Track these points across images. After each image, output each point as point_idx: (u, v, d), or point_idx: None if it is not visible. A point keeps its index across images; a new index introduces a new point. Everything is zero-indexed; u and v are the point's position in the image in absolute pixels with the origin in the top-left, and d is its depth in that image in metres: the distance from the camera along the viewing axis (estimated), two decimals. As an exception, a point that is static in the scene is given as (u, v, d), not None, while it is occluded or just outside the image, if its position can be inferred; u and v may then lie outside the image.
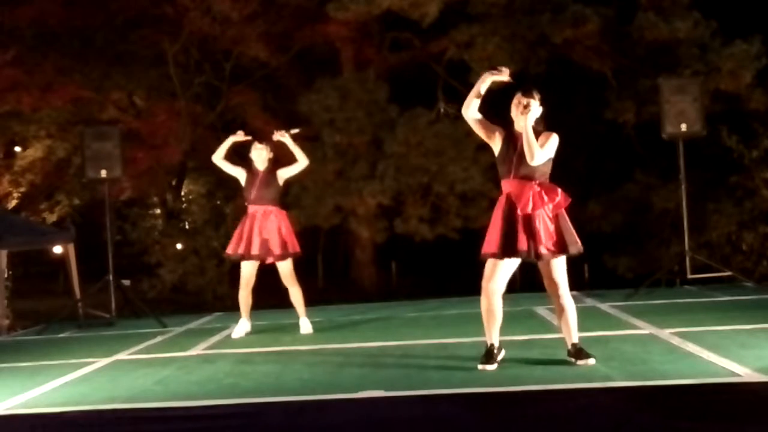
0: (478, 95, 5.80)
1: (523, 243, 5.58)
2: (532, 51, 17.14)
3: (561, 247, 5.64)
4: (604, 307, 8.76)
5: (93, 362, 6.98)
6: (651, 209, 16.57)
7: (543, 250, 5.59)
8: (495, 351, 5.82)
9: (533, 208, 5.62)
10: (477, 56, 17.31)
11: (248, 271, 8.07)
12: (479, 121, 5.85)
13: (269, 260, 8.01)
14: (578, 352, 5.71)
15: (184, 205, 24.70)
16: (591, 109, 18.11)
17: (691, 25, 15.79)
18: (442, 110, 18.73)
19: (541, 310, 8.57)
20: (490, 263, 5.71)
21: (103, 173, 10.17)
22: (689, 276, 10.17)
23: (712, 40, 15.84)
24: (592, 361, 5.64)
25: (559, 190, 5.73)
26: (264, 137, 8.55)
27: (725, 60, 15.40)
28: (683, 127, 9.98)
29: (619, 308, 8.55)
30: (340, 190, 17.15)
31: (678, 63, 15.50)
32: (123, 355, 7.36)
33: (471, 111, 5.84)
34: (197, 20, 17.93)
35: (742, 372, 5.13)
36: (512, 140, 5.76)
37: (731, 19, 15.96)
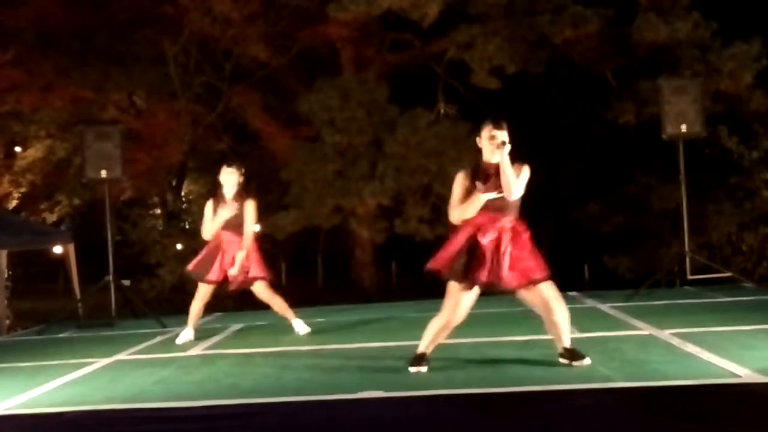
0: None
1: (484, 275, 5.54)
2: (533, 52, 17.15)
3: (527, 278, 5.60)
4: (604, 307, 8.76)
5: (93, 362, 6.98)
6: (651, 210, 16.59)
7: (503, 283, 5.56)
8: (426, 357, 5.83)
9: (496, 244, 5.56)
10: (477, 57, 17.33)
11: (206, 289, 7.92)
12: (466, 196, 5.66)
13: (232, 287, 7.87)
14: (572, 353, 5.70)
15: (185, 206, 24.73)
16: (591, 110, 18.12)
17: (692, 26, 15.80)
18: (442, 111, 18.75)
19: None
20: (453, 293, 5.67)
21: (104, 173, 10.16)
22: (689, 277, 10.17)
23: (713, 41, 15.85)
24: (587, 361, 5.63)
25: (525, 233, 5.65)
26: (234, 161, 8.26)
27: (725, 61, 15.41)
28: (683, 127, 9.98)
29: (619, 309, 8.55)
30: (340, 190, 17.15)
31: (678, 64, 15.51)
32: (123, 356, 7.36)
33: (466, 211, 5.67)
34: (197, 20, 17.94)
35: (742, 373, 5.13)
36: (482, 174, 5.63)
37: (731, 20, 15.97)
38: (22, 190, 23.55)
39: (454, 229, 5.77)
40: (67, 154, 22.53)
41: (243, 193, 7.86)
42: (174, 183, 25.10)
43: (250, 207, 7.79)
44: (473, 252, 5.59)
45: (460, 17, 17.51)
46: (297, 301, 8.23)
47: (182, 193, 26.37)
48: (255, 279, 7.85)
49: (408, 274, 21.71)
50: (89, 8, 18.09)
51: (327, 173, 17.24)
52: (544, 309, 5.70)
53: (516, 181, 5.55)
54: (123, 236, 18.99)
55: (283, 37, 18.72)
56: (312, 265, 23.14)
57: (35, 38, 18.13)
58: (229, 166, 7.92)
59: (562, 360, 5.73)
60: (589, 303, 9.22)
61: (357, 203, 17.48)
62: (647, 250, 16.40)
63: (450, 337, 7.12)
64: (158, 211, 24.76)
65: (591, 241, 18.14)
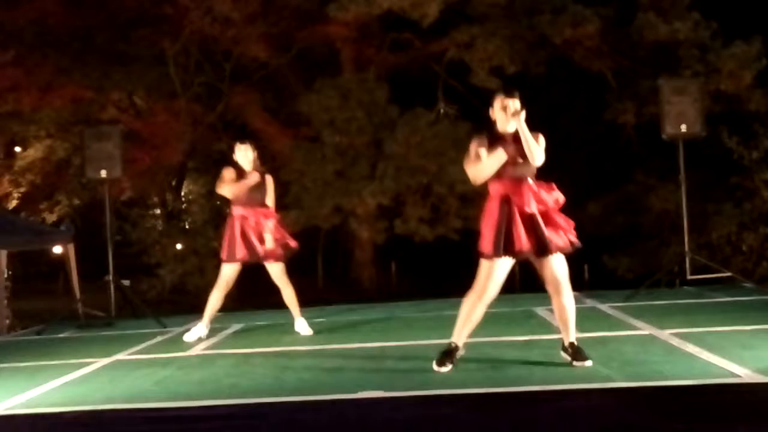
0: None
1: (523, 243, 5.52)
2: (532, 52, 17.16)
3: (567, 242, 5.60)
4: (604, 307, 8.75)
5: (93, 362, 6.98)
6: (651, 210, 16.59)
7: (546, 245, 5.52)
8: (456, 352, 5.77)
9: (533, 207, 5.56)
10: (477, 57, 17.35)
11: (229, 274, 7.84)
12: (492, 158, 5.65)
13: (264, 261, 7.83)
14: (576, 352, 5.67)
15: (184, 206, 24.74)
16: (591, 110, 18.13)
17: (691, 26, 15.80)
18: (442, 111, 18.76)
19: (541, 311, 8.56)
20: (486, 267, 5.65)
21: (103, 173, 10.15)
22: (689, 277, 10.16)
23: (712, 40, 15.86)
24: (588, 363, 5.61)
25: (554, 187, 5.69)
26: (246, 137, 8.22)
27: (725, 61, 15.42)
28: (683, 127, 9.97)
29: (619, 309, 8.55)
30: (340, 190, 17.16)
31: (678, 64, 15.51)
32: (123, 356, 7.35)
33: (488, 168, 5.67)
34: (197, 20, 17.95)
35: (742, 373, 5.13)
36: (499, 143, 5.65)
37: (731, 20, 15.97)
38: (22, 189, 23.56)
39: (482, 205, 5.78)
40: (67, 154, 22.55)
41: (260, 167, 7.86)
42: (174, 183, 25.13)
43: (270, 180, 7.87)
44: (510, 224, 5.55)
45: (460, 17, 17.52)
46: (297, 300, 8.21)
47: (182, 193, 26.38)
48: (288, 248, 7.85)
49: (408, 274, 21.74)
50: (89, 8, 18.09)
51: (327, 173, 17.25)
52: (554, 289, 5.64)
53: (537, 146, 5.58)
54: (123, 236, 18.99)
55: (283, 37, 18.73)
56: (312, 265, 23.13)
57: (35, 38, 18.14)
58: (242, 143, 7.87)
59: (563, 354, 5.72)
60: (589, 303, 9.21)
61: (357, 203, 17.49)
62: (647, 250, 16.39)
63: (450, 336, 7.12)
64: (158, 211, 24.77)
65: (591, 241, 18.00)
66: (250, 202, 7.76)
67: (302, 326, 8.03)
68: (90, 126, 11.25)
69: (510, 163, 5.60)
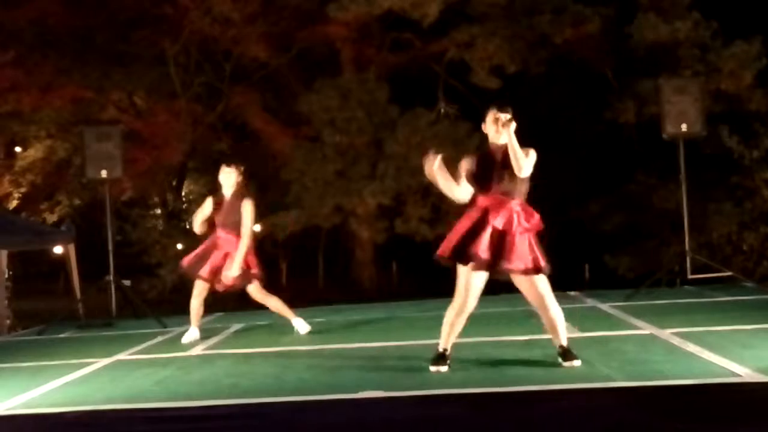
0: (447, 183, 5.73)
1: (481, 251, 5.51)
2: (533, 51, 17.16)
3: (534, 265, 5.59)
4: (605, 307, 8.75)
5: (93, 362, 6.98)
6: (651, 209, 16.58)
7: (510, 266, 5.53)
8: (447, 354, 5.80)
9: (507, 226, 5.56)
10: (477, 56, 17.35)
11: (202, 286, 7.89)
12: (463, 184, 5.74)
13: (219, 287, 7.82)
14: (565, 353, 5.69)
15: (185, 206, 24.73)
16: (591, 110, 18.12)
17: (692, 26, 15.81)
18: (442, 110, 18.75)
19: (542, 311, 8.57)
20: (463, 278, 5.64)
21: (104, 173, 10.16)
22: (690, 276, 10.16)
23: (713, 40, 15.86)
24: (577, 362, 5.62)
25: (536, 214, 5.66)
26: (232, 161, 8.07)
27: (726, 60, 15.42)
28: (684, 127, 9.97)
29: (620, 308, 8.54)
30: (340, 190, 17.16)
31: (678, 63, 15.51)
32: (123, 356, 7.35)
33: (461, 192, 5.74)
34: (198, 20, 17.96)
35: (743, 372, 5.13)
36: (489, 156, 5.67)
37: (731, 20, 15.97)
38: (23, 190, 23.57)
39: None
40: (68, 154, 22.55)
41: (242, 192, 7.81)
42: (174, 183, 25.12)
43: (248, 206, 7.70)
44: (477, 233, 5.56)
45: (461, 17, 17.52)
46: (297, 300, 8.21)
47: (182, 193, 26.37)
48: (250, 278, 7.81)
49: (408, 274, 21.74)
50: (89, 8, 18.10)
51: (327, 173, 17.25)
52: (539, 305, 5.70)
53: (524, 158, 5.53)
54: (123, 236, 19.00)
55: (284, 37, 18.74)
56: (312, 265, 23.15)
57: (35, 38, 18.15)
58: (227, 165, 7.85)
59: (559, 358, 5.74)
60: (590, 302, 9.22)
61: (357, 203, 17.49)
62: (648, 250, 16.39)
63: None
64: (158, 211, 24.77)
65: (591, 240, 18.14)
66: (224, 226, 7.77)
67: (300, 325, 8.02)
68: (90, 126, 11.20)
69: (498, 179, 5.59)
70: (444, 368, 5.71)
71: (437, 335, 6.51)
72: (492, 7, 17.04)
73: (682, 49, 15.82)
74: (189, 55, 19.40)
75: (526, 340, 6.81)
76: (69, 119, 20.88)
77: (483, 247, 5.53)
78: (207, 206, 7.90)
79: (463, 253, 5.58)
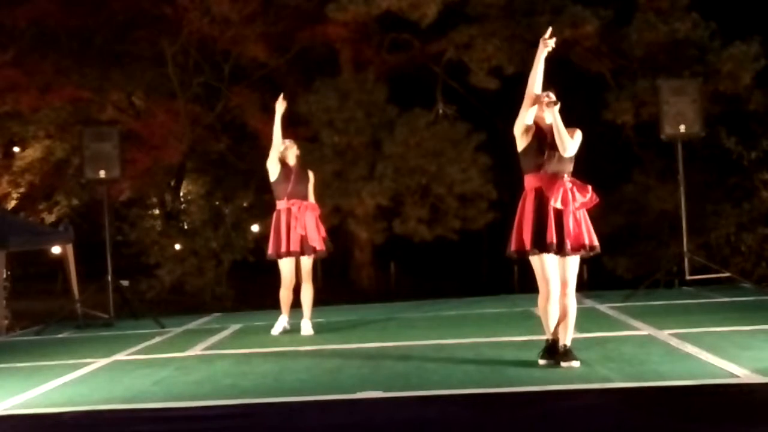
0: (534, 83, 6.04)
1: (552, 236, 5.60)
2: (531, 52, 17.10)
3: (587, 244, 5.71)
4: (603, 308, 8.76)
5: (91, 363, 6.98)
6: (649, 210, 16.56)
7: (569, 246, 5.63)
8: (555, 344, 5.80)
9: (565, 204, 5.66)
10: (476, 57, 17.34)
11: (287, 269, 7.98)
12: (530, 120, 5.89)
13: (309, 255, 7.92)
14: (567, 353, 5.70)
15: (183, 206, 24.68)
16: (589, 110, 18.08)
17: (690, 26, 15.80)
18: (441, 111, 18.74)
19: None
20: (537, 267, 5.71)
21: (102, 174, 10.16)
22: (688, 277, 10.17)
23: (711, 41, 15.85)
24: (576, 363, 5.64)
25: (590, 188, 5.79)
26: (288, 135, 8.52)
27: (724, 61, 15.41)
28: (682, 128, 9.98)
29: (618, 309, 8.55)
30: (338, 190, 17.14)
31: (677, 64, 15.50)
32: (121, 356, 7.35)
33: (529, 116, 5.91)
34: (196, 21, 17.94)
35: (741, 373, 5.13)
36: (541, 136, 5.82)
37: (730, 21, 15.96)
38: (21, 190, 23.54)
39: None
40: (66, 154, 22.52)
41: (304, 164, 8.27)
42: (173, 183, 25.09)
43: (312, 177, 8.18)
44: (543, 221, 5.65)
45: (459, 18, 17.51)
46: (297, 300, 8.21)
47: (181, 194, 26.35)
48: (326, 251, 8.01)
49: (407, 274, 21.74)
50: (88, 8, 18.07)
51: (326, 174, 17.21)
52: (561, 290, 5.71)
53: (569, 138, 5.73)
54: (122, 236, 18.98)
55: (282, 38, 18.72)
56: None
57: (34, 38, 18.13)
58: (288, 139, 8.36)
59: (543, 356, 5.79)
60: (588, 303, 9.22)
61: (356, 204, 17.47)
62: (646, 251, 16.38)
63: (448, 337, 7.14)
64: (157, 211, 24.74)
65: (590, 241, 18.11)
66: (294, 196, 8.02)
67: (306, 327, 7.97)
68: (89, 126, 11.23)
69: (548, 158, 5.72)
70: (576, 363, 5.62)
71: (436, 335, 6.54)
72: (490, 7, 17.03)
73: (680, 50, 15.81)
74: (188, 55, 19.37)
75: (524, 341, 6.82)
76: (68, 119, 20.85)
77: (551, 233, 5.61)
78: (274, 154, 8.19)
79: (542, 244, 5.62)
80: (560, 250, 5.64)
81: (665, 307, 8.76)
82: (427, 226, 17.58)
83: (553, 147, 5.71)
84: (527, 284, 7.90)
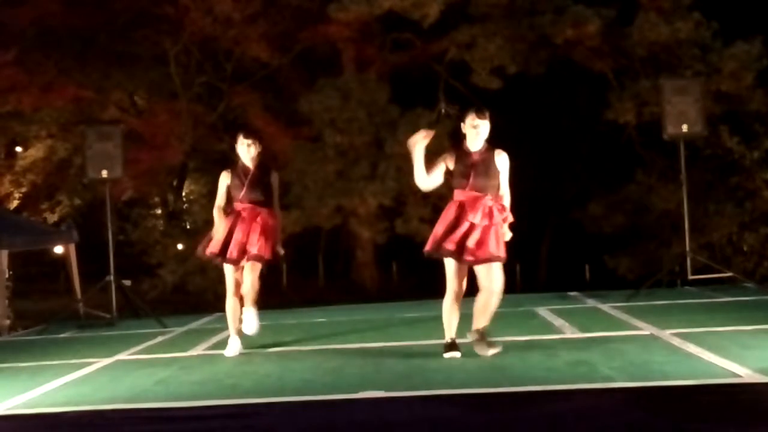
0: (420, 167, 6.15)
1: (452, 244, 6.01)
2: (533, 52, 17.15)
3: (489, 257, 6.01)
4: (605, 307, 8.75)
5: (94, 362, 6.98)
6: (652, 210, 16.57)
7: (467, 256, 5.99)
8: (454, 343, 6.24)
9: (482, 219, 6.01)
10: (478, 57, 17.34)
11: (230, 276, 6.98)
12: (435, 174, 6.20)
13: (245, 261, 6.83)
14: (482, 336, 6.09)
15: (185, 206, 24.74)
16: (592, 110, 18.11)
17: (692, 26, 15.80)
18: (443, 111, 18.75)
19: (542, 311, 8.58)
20: (447, 266, 6.16)
21: (104, 173, 10.15)
22: (690, 277, 10.16)
23: (713, 41, 15.86)
24: (492, 351, 6.03)
25: (507, 208, 6.17)
26: (251, 131, 7.38)
27: (726, 61, 15.41)
28: (684, 127, 9.97)
29: (620, 309, 8.54)
30: (341, 190, 17.16)
31: (679, 64, 15.51)
32: (124, 356, 7.35)
33: (428, 181, 6.20)
34: (198, 20, 17.96)
35: (743, 373, 5.13)
36: (466, 157, 6.15)
37: (732, 20, 15.97)
38: (23, 190, 23.58)
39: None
40: (68, 154, 22.56)
41: (265, 164, 7.09)
42: (175, 183, 25.12)
43: (276, 179, 7.03)
44: (454, 229, 6.05)
45: (461, 17, 17.52)
46: (298, 301, 8.21)
47: (183, 194, 26.38)
48: (267, 259, 6.86)
49: (409, 274, 21.73)
50: (90, 8, 18.10)
51: (328, 173, 17.24)
52: (488, 288, 6.05)
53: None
54: (124, 236, 18.99)
55: (284, 38, 18.73)
56: (313, 265, 23.13)
57: (36, 38, 18.15)
58: (246, 137, 6.99)
59: (470, 336, 6.13)
60: (590, 303, 9.22)
61: (358, 203, 17.48)
62: (648, 251, 16.38)
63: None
64: (159, 211, 24.78)
65: (592, 241, 18.14)
66: (248, 200, 7.04)
67: (248, 320, 6.88)
68: (91, 126, 11.21)
69: (473, 179, 6.07)
70: (458, 354, 6.12)
71: (438, 335, 6.53)
72: (493, 7, 17.04)
73: (682, 50, 15.82)
74: (190, 55, 19.39)
75: (526, 341, 6.82)
76: (70, 119, 20.88)
77: (452, 242, 6.02)
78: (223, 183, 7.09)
79: (440, 249, 6.10)
80: (458, 258, 6.03)
81: (667, 306, 8.75)
82: (429, 226, 17.51)
83: (478, 171, 6.07)
84: (529, 284, 7.90)
